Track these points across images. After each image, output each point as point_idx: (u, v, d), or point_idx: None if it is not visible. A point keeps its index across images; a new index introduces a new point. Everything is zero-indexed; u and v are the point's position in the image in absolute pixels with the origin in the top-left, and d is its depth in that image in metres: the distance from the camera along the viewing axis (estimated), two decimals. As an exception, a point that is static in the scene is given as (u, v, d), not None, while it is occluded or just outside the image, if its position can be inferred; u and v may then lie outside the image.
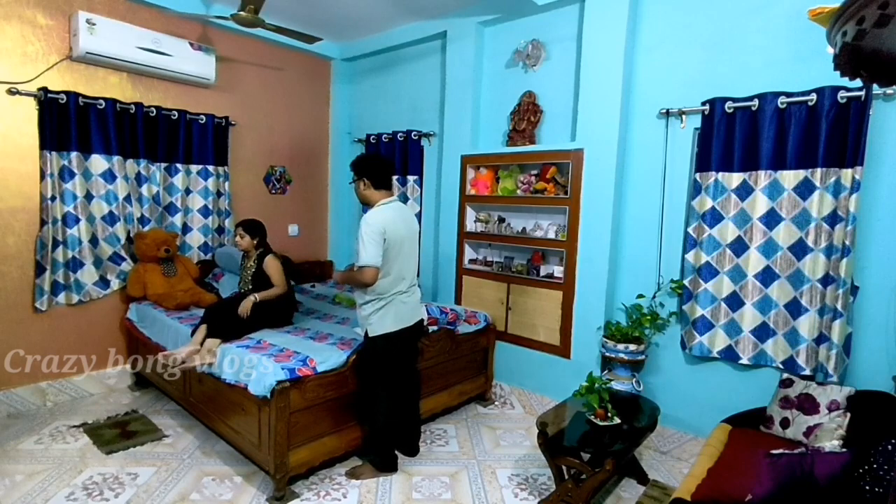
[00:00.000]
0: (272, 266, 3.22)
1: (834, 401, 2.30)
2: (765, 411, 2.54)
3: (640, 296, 3.18)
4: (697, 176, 2.93)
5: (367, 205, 2.79)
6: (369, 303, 2.67)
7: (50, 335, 3.52)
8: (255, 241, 3.32)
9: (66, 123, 3.43)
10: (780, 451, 1.93)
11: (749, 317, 2.82)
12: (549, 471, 2.66)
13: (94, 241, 3.64)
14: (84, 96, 3.48)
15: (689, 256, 2.99)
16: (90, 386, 3.73)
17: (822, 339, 2.59)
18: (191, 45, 3.89)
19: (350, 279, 2.70)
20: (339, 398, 2.73)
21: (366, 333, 2.70)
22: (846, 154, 2.47)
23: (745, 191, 2.80)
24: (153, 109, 3.84)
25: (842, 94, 2.48)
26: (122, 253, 3.78)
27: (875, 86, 2.26)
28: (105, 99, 3.56)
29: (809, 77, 2.58)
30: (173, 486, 2.64)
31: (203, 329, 2.94)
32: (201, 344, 2.88)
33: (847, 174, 2.47)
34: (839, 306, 2.49)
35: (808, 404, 2.36)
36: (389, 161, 3.53)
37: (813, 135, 2.59)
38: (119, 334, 3.85)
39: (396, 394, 2.77)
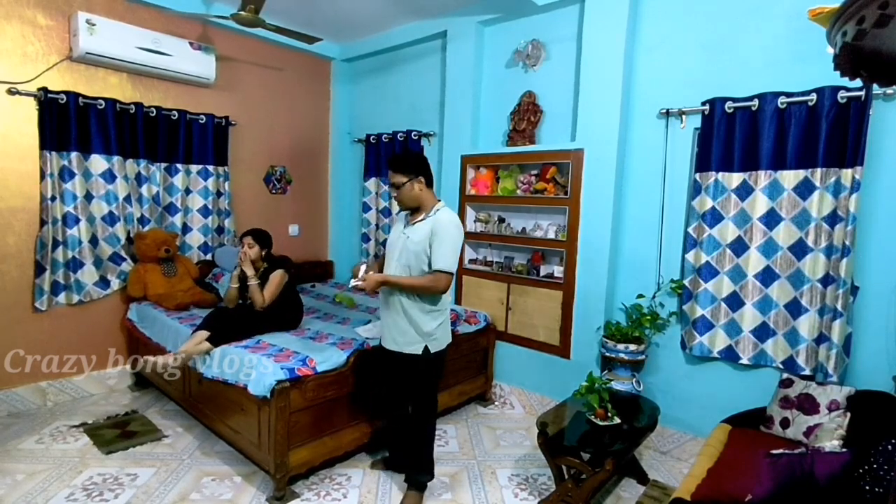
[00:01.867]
0: (273, 281, 3.12)
1: (834, 401, 2.30)
2: (765, 411, 2.54)
3: (640, 296, 3.18)
4: (697, 176, 2.93)
5: (416, 207, 2.45)
6: (431, 314, 2.41)
7: (50, 335, 3.52)
8: (263, 252, 3.22)
9: (66, 123, 3.43)
10: (780, 451, 1.93)
11: (749, 317, 2.82)
12: (549, 471, 2.66)
13: (94, 241, 3.64)
14: (84, 96, 3.48)
15: (689, 256, 2.99)
16: (90, 386, 3.73)
17: (822, 339, 2.59)
18: (191, 44, 3.89)
19: (421, 287, 2.35)
20: (339, 398, 2.73)
21: (425, 350, 2.41)
22: (846, 154, 2.47)
23: (745, 191, 2.80)
24: (153, 109, 3.84)
25: (842, 94, 2.48)
26: (122, 253, 3.78)
27: (875, 86, 2.26)
28: (105, 99, 3.56)
29: (809, 77, 2.58)
30: (173, 487, 2.64)
31: (201, 335, 2.87)
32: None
33: (847, 174, 2.47)
34: (839, 306, 2.49)
35: (808, 404, 2.36)
36: None
37: (813, 135, 2.58)
38: (119, 334, 3.86)
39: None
